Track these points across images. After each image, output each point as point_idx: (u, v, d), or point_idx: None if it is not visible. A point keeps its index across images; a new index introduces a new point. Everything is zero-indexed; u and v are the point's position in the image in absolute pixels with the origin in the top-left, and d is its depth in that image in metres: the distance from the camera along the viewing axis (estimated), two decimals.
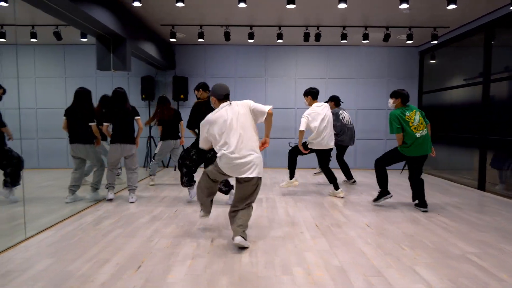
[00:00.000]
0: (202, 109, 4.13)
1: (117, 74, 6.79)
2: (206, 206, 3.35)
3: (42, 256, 2.80)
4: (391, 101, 4.34)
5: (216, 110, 3.10)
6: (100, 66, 5.10)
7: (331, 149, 5.02)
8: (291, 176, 5.19)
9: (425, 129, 4.21)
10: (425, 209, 4.27)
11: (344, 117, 5.74)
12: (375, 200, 4.57)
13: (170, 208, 4.34)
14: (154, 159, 5.77)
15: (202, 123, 3.14)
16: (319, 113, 4.84)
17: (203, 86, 4.46)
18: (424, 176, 4.42)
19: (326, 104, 5.07)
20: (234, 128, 2.98)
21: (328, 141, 4.88)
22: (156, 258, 2.78)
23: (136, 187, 4.70)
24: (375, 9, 5.48)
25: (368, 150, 7.94)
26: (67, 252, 2.88)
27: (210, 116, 3.08)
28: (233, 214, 3.11)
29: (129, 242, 3.13)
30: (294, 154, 5.12)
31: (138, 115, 4.61)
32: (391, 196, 4.52)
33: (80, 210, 4.17)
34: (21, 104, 7.22)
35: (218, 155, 3.04)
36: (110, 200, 4.62)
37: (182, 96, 7.66)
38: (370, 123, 7.95)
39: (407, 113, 4.20)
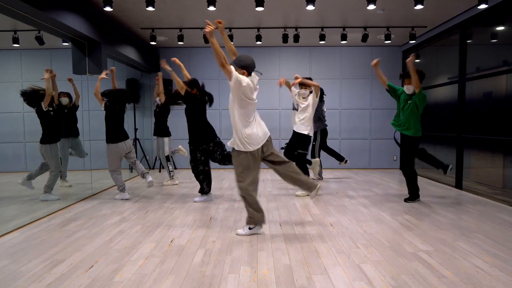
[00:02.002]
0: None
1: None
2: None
3: (0, 258, 2.87)
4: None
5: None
6: (76, 70, 5.18)
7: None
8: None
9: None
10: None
11: None
12: (407, 200, 4.77)
13: (141, 210, 4.40)
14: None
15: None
16: None
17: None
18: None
19: None
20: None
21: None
22: (111, 258, 2.84)
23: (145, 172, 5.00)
24: (351, 10, 5.52)
25: (352, 150, 7.97)
26: (25, 253, 2.95)
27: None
28: None
29: (90, 243, 3.19)
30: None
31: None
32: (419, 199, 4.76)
33: (52, 212, 4.25)
34: (8, 108, 7.34)
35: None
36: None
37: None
38: (354, 123, 7.98)
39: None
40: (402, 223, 3.75)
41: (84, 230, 3.57)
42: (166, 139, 5.92)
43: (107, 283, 2.41)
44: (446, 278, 2.44)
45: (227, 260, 2.79)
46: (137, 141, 7.76)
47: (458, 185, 5.71)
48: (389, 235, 3.37)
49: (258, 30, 6.39)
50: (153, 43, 6.49)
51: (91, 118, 5.79)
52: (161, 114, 5.97)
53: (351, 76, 7.95)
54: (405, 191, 5.42)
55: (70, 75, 7.46)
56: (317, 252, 2.95)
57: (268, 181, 6.44)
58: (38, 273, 2.55)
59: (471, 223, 3.75)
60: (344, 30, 6.33)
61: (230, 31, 6.38)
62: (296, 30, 6.35)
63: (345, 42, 6.59)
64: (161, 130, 5.94)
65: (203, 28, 6.49)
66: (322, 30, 6.33)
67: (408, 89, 4.51)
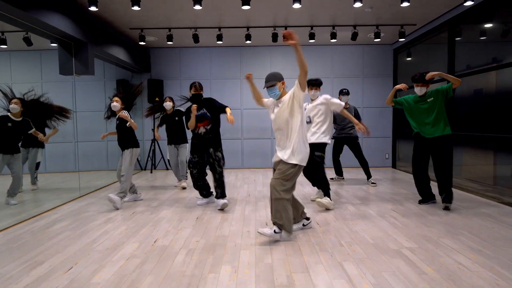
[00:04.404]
0: None
1: (93, 78, 6.82)
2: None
3: None
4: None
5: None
6: (62, 70, 5.14)
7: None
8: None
9: None
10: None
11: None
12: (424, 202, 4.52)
13: (128, 211, 4.37)
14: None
15: None
16: None
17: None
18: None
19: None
20: None
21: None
22: (92, 259, 2.81)
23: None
24: (339, 8, 5.50)
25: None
26: (5, 255, 2.91)
27: None
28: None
29: (72, 244, 3.16)
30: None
31: None
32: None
33: (38, 214, 4.21)
34: None
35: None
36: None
37: (157, 99, 7.69)
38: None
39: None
40: (388, 221, 3.74)
41: (68, 231, 3.54)
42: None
43: (85, 284, 2.38)
44: (427, 275, 2.42)
45: (209, 259, 2.77)
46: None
47: None
48: (374, 233, 3.35)
49: (248, 29, 6.37)
50: (142, 43, 6.46)
51: (78, 120, 5.75)
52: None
53: (342, 75, 7.94)
54: (395, 188, 5.42)
55: (60, 75, 7.42)
56: (300, 250, 2.93)
57: (259, 182, 6.43)
58: (16, 276, 2.52)
59: (458, 220, 3.74)
60: (333, 28, 6.32)
61: (219, 30, 6.36)
62: (285, 29, 6.33)
63: (335, 40, 6.58)
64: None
65: (192, 28, 6.52)
66: (312, 28, 6.32)
67: (420, 90, 4.21)
